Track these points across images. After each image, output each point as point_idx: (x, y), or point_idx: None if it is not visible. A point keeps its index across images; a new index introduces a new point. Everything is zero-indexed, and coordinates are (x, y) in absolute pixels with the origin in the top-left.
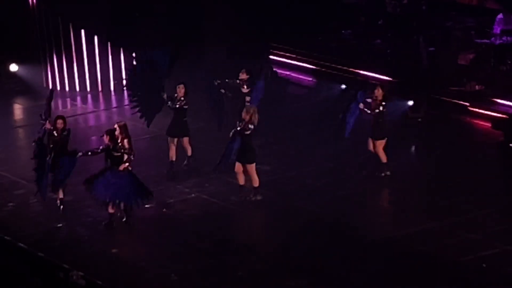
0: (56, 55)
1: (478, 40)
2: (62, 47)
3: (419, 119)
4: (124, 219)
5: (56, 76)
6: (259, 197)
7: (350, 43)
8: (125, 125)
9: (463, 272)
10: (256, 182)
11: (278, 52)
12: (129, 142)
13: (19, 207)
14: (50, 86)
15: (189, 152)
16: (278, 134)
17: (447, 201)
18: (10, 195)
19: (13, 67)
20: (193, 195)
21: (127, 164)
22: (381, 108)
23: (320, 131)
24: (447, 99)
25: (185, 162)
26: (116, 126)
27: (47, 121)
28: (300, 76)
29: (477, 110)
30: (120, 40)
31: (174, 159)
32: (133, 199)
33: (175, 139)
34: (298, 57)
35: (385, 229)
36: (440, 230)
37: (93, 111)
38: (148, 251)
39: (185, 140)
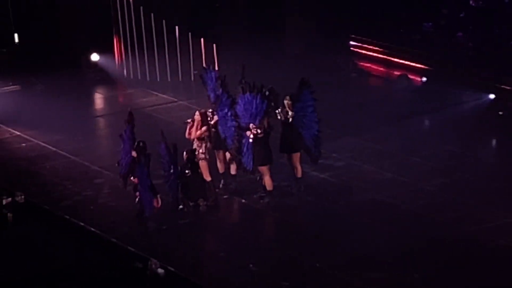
0: (137, 45)
1: None
2: (144, 37)
3: (500, 113)
4: (204, 205)
5: (137, 65)
6: (266, 200)
7: (431, 36)
8: (205, 112)
9: None
10: (269, 186)
11: (358, 44)
12: (208, 130)
13: (98, 195)
14: (131, 76)
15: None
16: (356, 126)
17: None
18: (90, 184)
19: (95, 57)
20: None
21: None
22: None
23: (398, 124)
24: None
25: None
26: (197, 113)
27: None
28: (380, 68)
29: None
30: (201, 31)
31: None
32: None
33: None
34: (378, 49)
35: (462, 223)
36: None
37: (173, 101)
38: (227, 241)
39: None
